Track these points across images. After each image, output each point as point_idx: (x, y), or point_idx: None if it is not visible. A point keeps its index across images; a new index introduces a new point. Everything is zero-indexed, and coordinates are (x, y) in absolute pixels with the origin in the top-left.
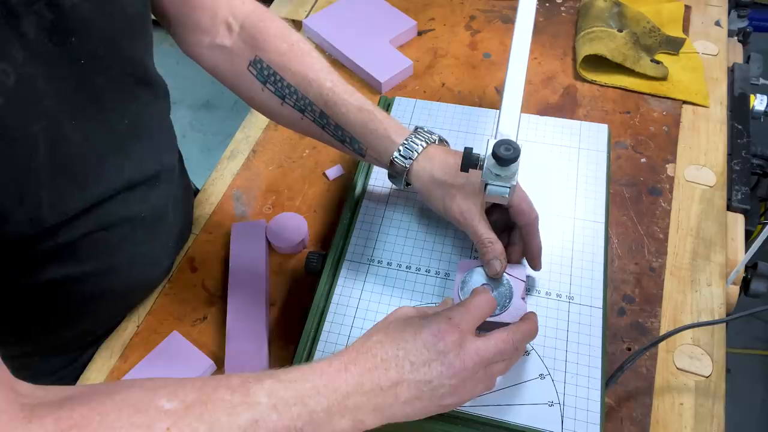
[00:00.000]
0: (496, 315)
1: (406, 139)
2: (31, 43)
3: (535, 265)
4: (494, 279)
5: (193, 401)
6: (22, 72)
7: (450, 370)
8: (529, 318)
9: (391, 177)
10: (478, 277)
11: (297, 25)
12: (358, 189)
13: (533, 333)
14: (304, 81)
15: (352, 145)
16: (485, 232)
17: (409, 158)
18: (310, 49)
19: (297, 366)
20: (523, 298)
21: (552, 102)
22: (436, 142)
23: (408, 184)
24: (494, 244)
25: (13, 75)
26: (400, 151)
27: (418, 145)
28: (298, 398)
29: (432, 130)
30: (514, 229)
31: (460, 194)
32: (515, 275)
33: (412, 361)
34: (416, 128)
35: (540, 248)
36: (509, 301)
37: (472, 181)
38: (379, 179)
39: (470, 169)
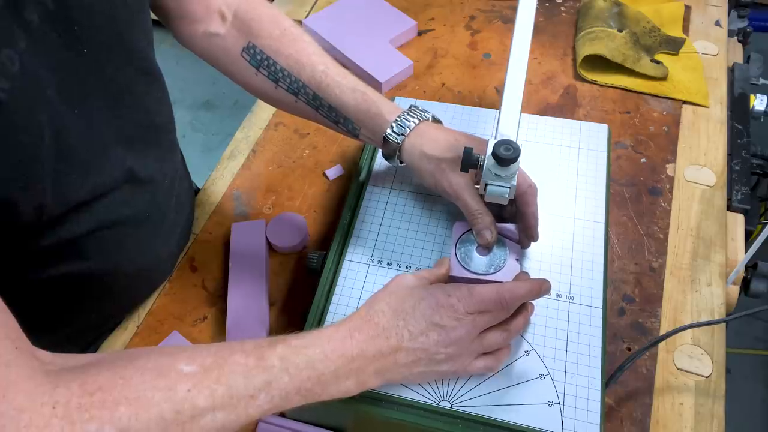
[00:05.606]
0: (491, 274)
1: (398, 117)
2: (34, 31)
3: (532, 235)
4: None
5: (211, 365)
6: (26, 59)
7: (446, 340)
8: (520, 282)
9: (386, 156)
10: (474, 238)
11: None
12: (363, 174)
13: (524, 297)
14: (297, 64)
15: (346, 126)
16: (474, 204)
17: (402, 135)
18: (302, 34)
19: (306, 332)
20: (517, 259)
21: (552, 102)
22: (430, 120)
23: (402, 162)
24: (484, 215)
25: (17, 62)
26: (392, 127)
27: (410, 121)
28: (308, 363)
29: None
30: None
31: (449, 168)
32: (511, 237)
33: (411, 330)
34: (411, 106)
35: (536, 218)
36: (504, 262)
37: (461, 155)
38: (379, 179)
39: (464, 152)
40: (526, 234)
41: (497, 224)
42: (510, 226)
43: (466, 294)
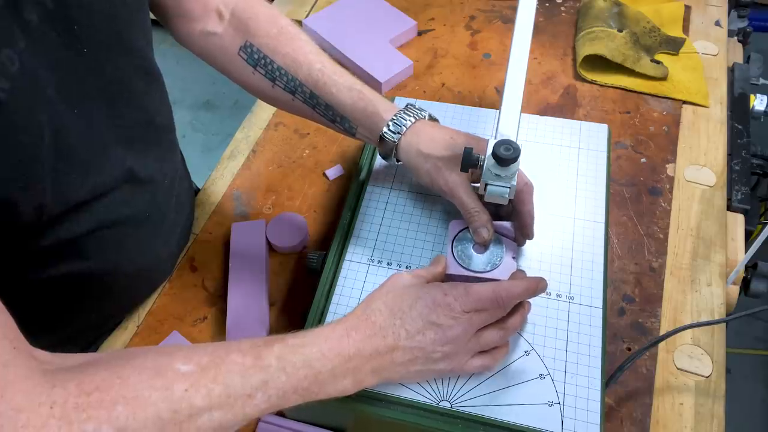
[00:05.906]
0: (487, 272)
1: (395, 115)
2: (33, 31)
3: (528, 233)
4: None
5: (208, 364)
6: (25, 59)
7: (443, 339)
8: (517, 281)
9: (383, 155)
10: (470, 236)
11: (297, 25)
12: (363, 174)
13: (521, 295)
14: (294, 63)
15: (343, 124)
16: (471, 202)
17: (398, 133)
18: (299, 33)
19: (303, 331)
20: (514, 257)
21: (552, 102)
22: (426, 119)
23: (399, 160)
24: (480, 213)
25: (17, 62)
26: (389, 126)
27: (406, 120)
28: (305, 362)
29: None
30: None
31: (445, 166)
32: (508, 234)
33: (408, 329)
34: (407, 105)
35: (532, 217)
36: (500, 260)
37: (457, 153)
38: (379, 179)
39: (464, 152)
40: (522, 232)
41: (494, 222)
42: (506, 224)
43: (463, 292)
